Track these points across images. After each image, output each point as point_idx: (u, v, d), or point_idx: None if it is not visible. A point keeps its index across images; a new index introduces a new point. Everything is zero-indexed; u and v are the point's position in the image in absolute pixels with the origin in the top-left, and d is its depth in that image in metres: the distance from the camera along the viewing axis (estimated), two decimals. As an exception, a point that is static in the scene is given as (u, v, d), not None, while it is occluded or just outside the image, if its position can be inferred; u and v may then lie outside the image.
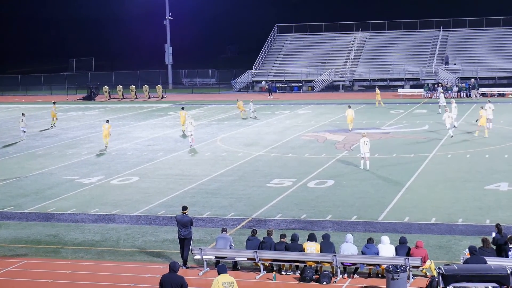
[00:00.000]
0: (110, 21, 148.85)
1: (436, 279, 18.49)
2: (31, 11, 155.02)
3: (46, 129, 57.21)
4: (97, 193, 33.78)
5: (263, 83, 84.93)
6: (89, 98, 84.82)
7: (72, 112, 70.85)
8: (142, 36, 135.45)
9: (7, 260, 24.07)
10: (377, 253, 21.50)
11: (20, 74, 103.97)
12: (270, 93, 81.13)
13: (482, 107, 48.42)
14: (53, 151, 46.32)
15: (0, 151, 46.99)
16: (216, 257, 22.42)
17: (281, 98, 79.09)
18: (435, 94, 75.20)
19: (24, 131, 51.97)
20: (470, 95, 74.08)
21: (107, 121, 48.89)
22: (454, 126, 49.24)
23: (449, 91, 75.67)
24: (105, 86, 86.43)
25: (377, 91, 67.51)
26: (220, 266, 17.15)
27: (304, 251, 21.91)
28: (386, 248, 21.57)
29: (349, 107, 52.08)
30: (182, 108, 54.76)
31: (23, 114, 53.96)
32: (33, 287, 21.56)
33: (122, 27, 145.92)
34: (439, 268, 18.06)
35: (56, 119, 59.43)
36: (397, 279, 19.41)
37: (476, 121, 48.58)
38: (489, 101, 52.74)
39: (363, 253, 21.67)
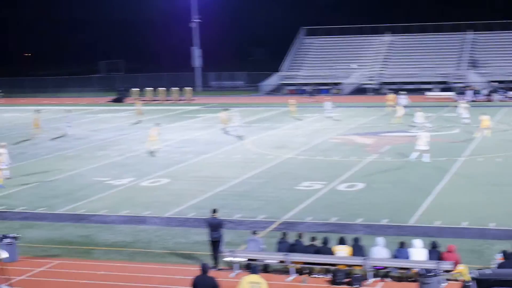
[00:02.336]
0: (140, 24, 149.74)
1: (469, 284, 18.37)
2: (61, 13, 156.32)
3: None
4: (127, 195, 33.97)
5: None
6: (118, 100, 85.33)
7: (101, 114, 71.28)
8: (171, 38, 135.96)
9: (40, 260, 24.30)
10: (409, 258, 21.41)
11: (50, 76, 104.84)
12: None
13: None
14: (83, 153, 46.63)
15: (32, 152, 47.39)
16: (247, 259, 22.45)
17: (309, 101, 78.94)
18: (464, 98, 74.72)
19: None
20: (492, 98, 73.64)
21: (157, 124, 48.65)
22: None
23: (478, 94, 75.14)
24: (135, 89, 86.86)
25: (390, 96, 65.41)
26: (252, 267, 17.18)
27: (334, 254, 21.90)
28: (418, 252, 21.47)
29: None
30: (225, 109, 54.91)
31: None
32: (65, 288, 21.77)
33: (152, 30, 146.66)
34: (472, 272, 17.94)
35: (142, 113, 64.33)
36: (429, 283, 19.33)
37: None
38: None
39: (394, 257, 21.59)
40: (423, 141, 39.97)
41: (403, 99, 62.47)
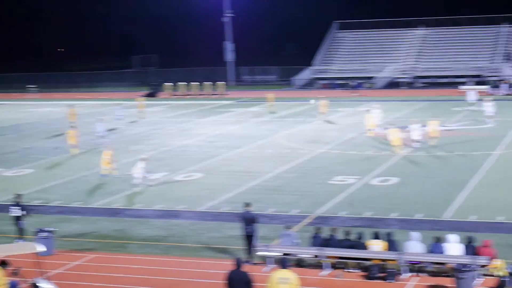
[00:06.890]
0: (174, 18, 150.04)
1: (506, 279, 18.21)
2: (95, 8, 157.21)
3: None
4: (162, 189, 34.14)
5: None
6: (151, 95, 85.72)
7: (135, 109, 71.62)
8: (205, 33, 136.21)
9: (75, 254, 24.52)
10: (444, 253, 21.26)
11: (84, 71, 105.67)
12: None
13: None
14: (117, 147, 46.86)
15: (67, 146, 47.68)
16: (281, 254, 22.44)
17: (342, 95, 78.69)
18: (499, 91, 74.12)
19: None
20: None
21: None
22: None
23: (512, 88, 74.50)
24: (168, 83, 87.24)
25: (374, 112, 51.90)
26: (282, 261, 17.06)
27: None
28: (453, 247, 21.31)
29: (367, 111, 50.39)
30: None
31: (118, 104, 61.37)
32: (101, 281, 21.91)
33: (186, 24, 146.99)
34: (509, 267, 17.77)
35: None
36: (464, 278, 19.18)
37: None
38: None
39: (430, 252, 21.46)
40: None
41: (472, 94, 61.56)
